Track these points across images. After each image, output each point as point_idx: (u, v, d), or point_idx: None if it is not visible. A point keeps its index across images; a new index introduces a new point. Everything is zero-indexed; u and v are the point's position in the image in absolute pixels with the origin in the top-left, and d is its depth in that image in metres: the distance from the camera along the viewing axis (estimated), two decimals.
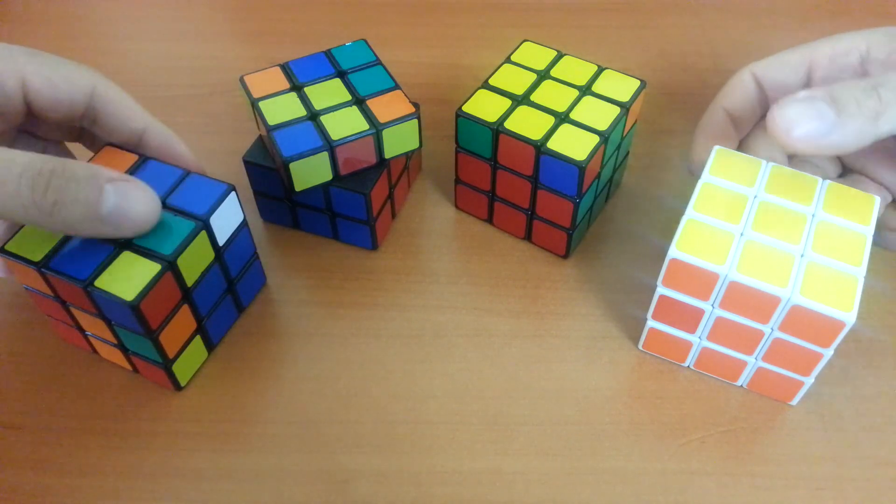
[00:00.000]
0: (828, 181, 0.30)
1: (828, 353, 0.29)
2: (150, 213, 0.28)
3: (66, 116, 0.31)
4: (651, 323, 0.32)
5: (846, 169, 0.36)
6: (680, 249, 0.29)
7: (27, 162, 0.26)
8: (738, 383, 0.33)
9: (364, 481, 0.30)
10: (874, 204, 0.30)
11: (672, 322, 0.32)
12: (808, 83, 0.34)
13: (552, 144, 0.33)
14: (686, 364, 0.33)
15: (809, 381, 0.30)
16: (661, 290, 0.31)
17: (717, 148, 0.32)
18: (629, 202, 0.40)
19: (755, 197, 0.30)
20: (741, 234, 0.29)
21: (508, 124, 0.34)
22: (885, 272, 0.36)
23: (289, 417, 0.32)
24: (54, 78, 0.30)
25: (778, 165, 0.31)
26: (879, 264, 0.36)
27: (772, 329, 0.29)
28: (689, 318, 0.31)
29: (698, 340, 0.32)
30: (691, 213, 0.30)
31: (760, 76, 0.35)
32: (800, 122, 0.28)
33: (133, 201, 0.27)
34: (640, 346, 0.34)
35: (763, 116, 0.35)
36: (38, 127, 0.33)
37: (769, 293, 0.28)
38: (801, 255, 0.29)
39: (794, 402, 0.32)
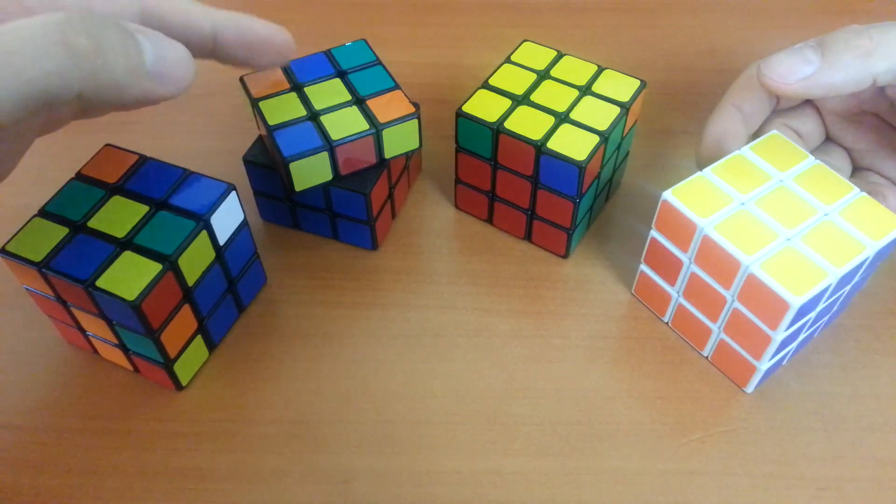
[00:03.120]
0: (863, 193, 0.30)
1: (776, 336, 0.29)
2: (189, 64, 0.25)
3: None
4: (643, 267, 0.34)
5: (857, 167, 0.36)
6: (674, 194, 0.30)
7: (50, 15, 0.22)
8: (705, 353, 0.33)
9: (364, 481, 0.30)
10: None
11: (658, 270, 0.33)
12: None
13: (552, 144, 0.33)
14: (665, 319, 0.34)
15: (762, 366, 0.31)
16: (653, 232, 0.32)
17: (773, 132, 0.32)
18: (629, 202, 0.40)
19: (780, 181, 0.31)
20: (742, 203, 0.30)
21: (508, 124, 0.34)
22: (884, 272, 0.36)
23: (289, 417, 0.32)
24: (93, 3, 0.26)
25: (823, 165, 0.31)
26: (879, 264, 0.36)
27: (732, 297, 0.30)
28: (671, 269, 0.32)
29: (676, 295, 0.33)
30: (707, 172, 0.31)
31: None
32: (787, 68, 0.30)
33: (170, 50, 0.24)
34: (632, 291, 0.35)
35: (773, 110, 0.36)
36: None
37: (733, 256, 0.28)
38: (788, 239, 0.29)
39: (749, 389, 0.32)
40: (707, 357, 0.33)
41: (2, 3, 0.25)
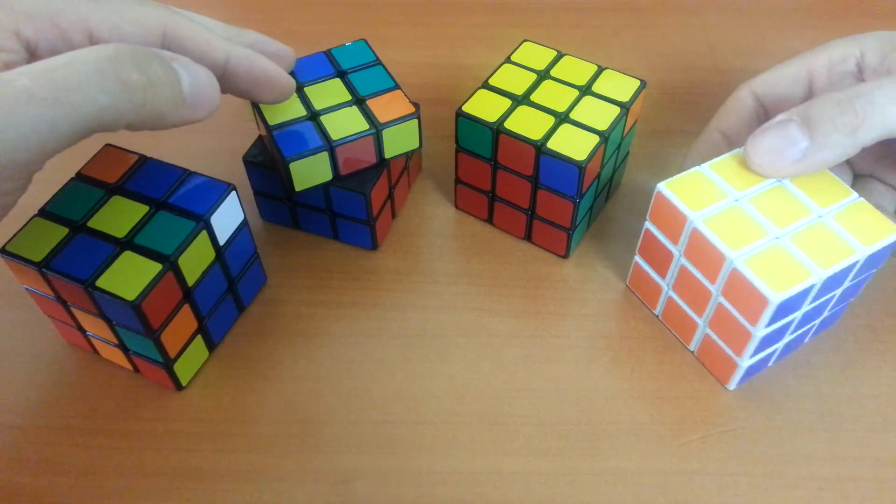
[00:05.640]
0: (861, 198, 0.30)
1: (756, 332, 0.29)
2: (216, 88, 0.26)
3: None
4: (637, 258, 0.34)
5: (857, 174, 0.36)
6: (668, 186, 0.30)
7: (100, 50, 0.23)
8: (691, 347, 0.33)
9: (364, 481, 0.30)
10: (894, 235, 0.29)
11: (651, 262, 0.33)
12: (809, 94, 0.34)
13: (552, 144, 0.33)
14: (656, 312, 0.35)
15: (743, 363, 0.31)
16: (647, 224, 0.32)
17: None
18: (629, 202, 0.40)
19: (778, 181, 0.31)
20: (735, 200, 0.30)
21: (508, 124, 0.34)
22: (884, 272, 0.36)
23: (289, 417, 0.32)
24: (122, 24, 0.27)
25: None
26: (876, 271, 0.36)
27: (717, 292, 0.30)
28: (663, 261, 0.32)
29: (666, 288, 0.33)
30: (704, 167, 0.31)
31: (760, 94, 0.35)
32: (775, 153, 0.29)
33: (201, 76, 0.26)
34: (626, 283, 0.36)
35: None
36: None
37: (719, 250, 0.29)
38: (776, 238, 0.29)
39: (731, 385, 0.32)
40: (693, 352, 0.33)
41: (37, 24, 0.26)
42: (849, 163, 0.36)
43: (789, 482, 0.30)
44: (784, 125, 0.29)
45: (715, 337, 0.31)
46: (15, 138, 0.21)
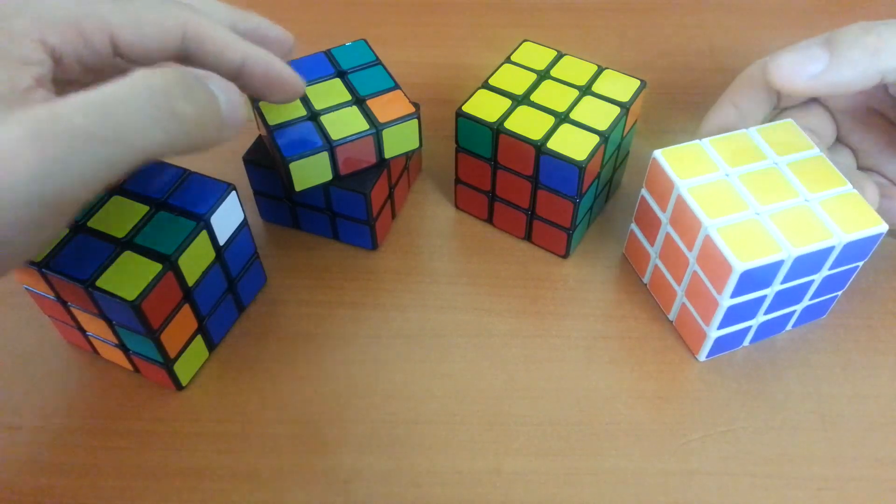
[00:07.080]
0: (854, 190, 0.30)
1: (722, 301, 0.29)
2: (244, 105, 0.26)
3: (156, 61, 0.27)
4: (632, 226, 0.35)
5: (860, 166, 0.36)
6: (663, 154, 0.31)
7: (149, 79, 0.23)
8: (670, 317, 0.34)
9: (364, 481, 0.30)
10: (877, 228, 0.29)
11: (643, 229, 0.34)
12: None
13: (552, 144, 0.33)
14: (645, 280, 0.35)
15: (711, 333, 0.31)
16: (643, 191, 0.33)
17: (788, 119, 0.33)
18: (629, 202, 0.40)
19: (774, 163, 0.31)
20: (726, 174, 0.31)
21: (508, 124, 0.34)
22: (884, 272, 0.36)
23: (289, 417, 0.32)
24: (143, 26, 0.26)
25: (824, 158, 0.31)
26: (879, 264, 0.36)
27: (693, 259, 0.30)
28: (653, 228, 0.33)
29: (654, 255, 0.34)
30: (704, 141, 0.32)
31: None
32: (795, 65, 0.30)
33: (232, 94, 0.25)
34: (623, 251, 0.37)
35: (773, 109, 0.36)
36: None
37: (697, 217, 0.29)
38: (757, 213, 0.29)
39: (702, 357, 0.33)
40: (672, 321, 0.34)
41: (62, 31, 0.25)
42: (853, 153, 0.36)
43: (789, 482, 0.30)
44: (808, 44, 0.30)
45: (689, 306, 0.32)
46: (76, 177, 0.21)
